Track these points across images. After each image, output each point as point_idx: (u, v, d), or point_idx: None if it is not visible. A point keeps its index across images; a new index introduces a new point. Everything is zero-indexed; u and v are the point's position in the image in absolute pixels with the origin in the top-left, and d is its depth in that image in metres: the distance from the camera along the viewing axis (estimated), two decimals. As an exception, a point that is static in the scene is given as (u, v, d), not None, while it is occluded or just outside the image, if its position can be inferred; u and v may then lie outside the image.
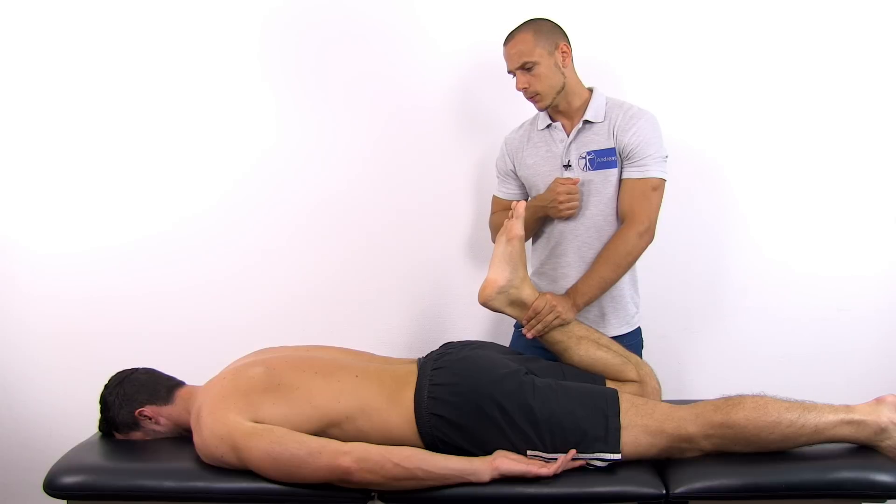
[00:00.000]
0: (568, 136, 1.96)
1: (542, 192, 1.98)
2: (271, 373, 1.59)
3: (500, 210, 2.09)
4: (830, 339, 2.32)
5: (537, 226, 2.02)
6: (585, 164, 1.92)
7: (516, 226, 1.75)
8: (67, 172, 2.37)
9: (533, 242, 2.09)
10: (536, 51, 1.87)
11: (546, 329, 1.77)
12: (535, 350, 1.89)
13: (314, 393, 1.57)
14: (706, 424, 1.53)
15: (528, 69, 1.88)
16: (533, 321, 1.77)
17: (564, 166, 1.95)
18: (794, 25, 2.26)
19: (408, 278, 2.40)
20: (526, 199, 2.04)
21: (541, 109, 1.96)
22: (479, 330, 2.38)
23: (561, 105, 1.94)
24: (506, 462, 1.49)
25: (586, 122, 1.93)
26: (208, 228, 2.39)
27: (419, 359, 1.72)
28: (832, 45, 2.25)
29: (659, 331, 2.26)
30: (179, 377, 1.78)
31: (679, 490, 1.49)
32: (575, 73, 1.96)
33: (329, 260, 2.39)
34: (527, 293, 1.77)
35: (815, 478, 1.47)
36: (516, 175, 2.06)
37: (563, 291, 1.89)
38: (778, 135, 2.29)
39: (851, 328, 2.32)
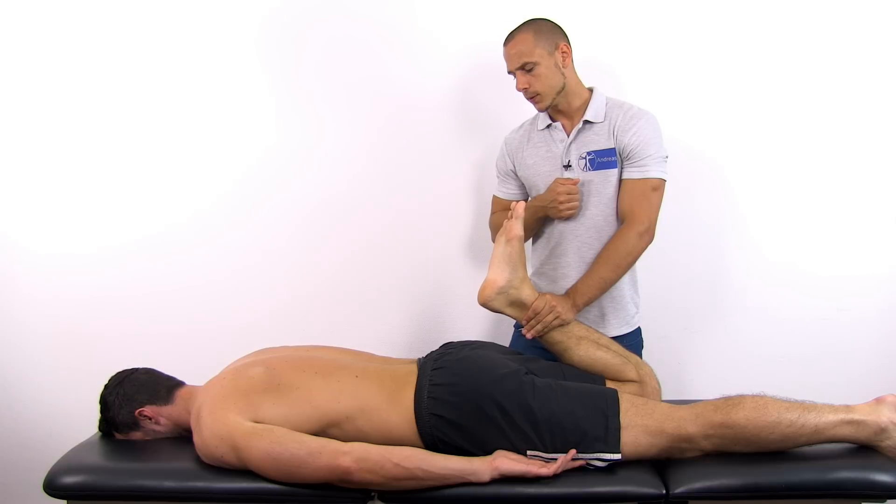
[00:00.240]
0: (568, 136, 1.96)
1: (542, 192, 1.98)
2: (271, 373, 1.59)
3: (500, 210, 2.09)
4: (830, 339, 2.32)
5: (537, 226, 2.02)
6: (585, 165, 1.92)
7: (516, 226, 1.75)
8: (68, 173, 2.37)
9: (533, 243, 2.09)
10: (536, 51, 1.87)
11: (546, 329, 1.77)
12: (535, 350, 1.89)
13: (314, 393, 1.57)
14: (706, 424, 1.53)
15: (529, 69, 1.88)
16: (532, 321, 1.77)
17: (564, 166, 1.95)
18: (794, 25, 2.26)
19: (408, 278, 2.40)
20: (526, 200, 2.04)
21: (541, 110, 1.96)
22: (479, 330, 2.39)
23: (561, 105, 1.94)
24: (506, 462, 1.49)
25: (586, 122, 1.93)
26: (208, 228, 2.39)
27: (419, 359, 1.72)
28: (832, 45, 2.25)
29: (659, 331, 2.26)
30: (179, 377, 1.78)
31: (679, 490, 1.49)
32: (575, 73, 1.96)
33: (329, 260, 2.39)
34: (526, 293, 1.77)
35: (815, 478, 1.47)
36: (516, 175, 2.06)
37: (562, 292, 1.89)
38: (778, 135, 2.29)
39: (851, 328, 2.32)
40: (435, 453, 1.51)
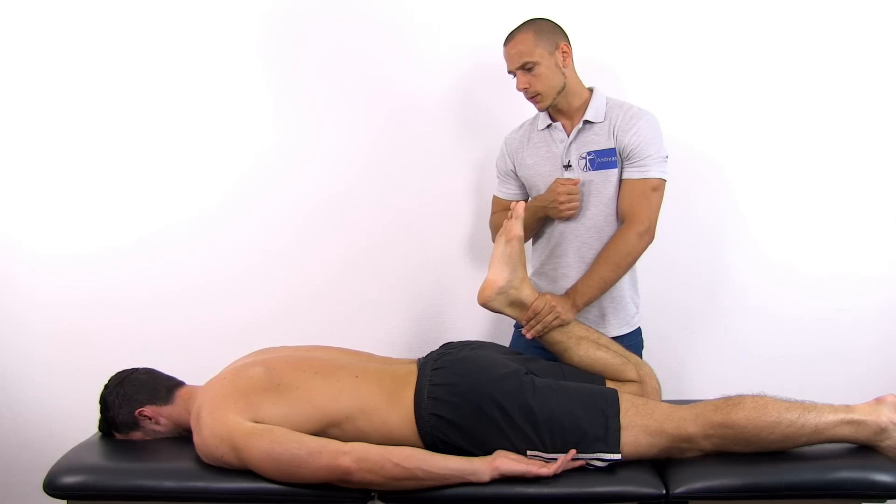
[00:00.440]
0: (568, 136, 1.96)
1: (542, 192, 1.98)
2: (271, 373, 1.59)
3: (501, 210, 2.09)
4: (830, 339, 2.32)
5: (537, 226, 2.02)
6: (586, 165, 1.92)
7: (515, 226, 1.75)
8: (68, 173, 2.37)
9: (533, 243, 2.09)
10: (537, 51, 1.87)
11: (545, 329, 1.77)
12: (535, 350, 1.89)
13: (314, 393, 1.57)
14: (706, 424, 1.53)
15: (529, 69, 1.88)
16: (532, 322, 1.77)
17: (565, 166, 1.95)
18: (794, 26, 2.26)
19: (408, 278, 2.40)
20: (526, 200, 2.04)
21: (541, 110, 1.96)
22: (479, 330, 2.39)
23: (561, 105, 1.94)
24: (506, 462, 1.49)
25: (586, 122, 1.93)
26: (208, 228, 2.39)
27: (419, 359, 1.72)
28: (832, 45, 2.25)
29: (659, 331, 2.26)
30: (179, 377, 1.78)
31: (679, 490, 1.49)
32: (575, 73, 1.96)
33: (329, 260, 2.40)
34: (526, 294, 1.77)
35: (815, 478, 1.47)
36: (516, 175, 2.06)
37: (562, 292, 1.89)
38: (778, 135, 2.29)
39: (851, 328, 2.32)
40: (435, 453, 1.51)
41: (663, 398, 1.77)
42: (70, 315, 2.39)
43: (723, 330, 2.37)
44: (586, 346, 1.77)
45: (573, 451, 1.51)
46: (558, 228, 1.97)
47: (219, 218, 2.38)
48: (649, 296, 2.11)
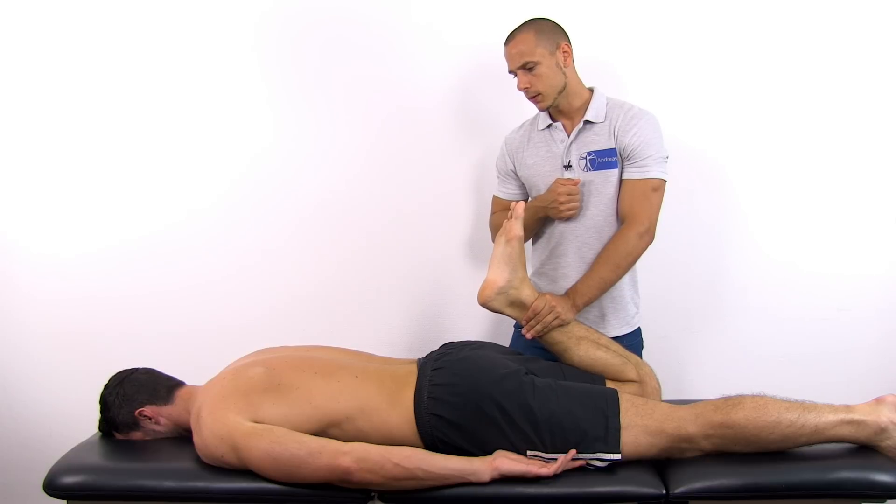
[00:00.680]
0: (568, 136, 1.96)
1: (542, 192, 1.98)
2: (271, 373, 1.59)
3: (501, 210, 2.09)
4: (830, 339, 2.32)
5: (537, 226, 2.02)
6: (586, 165, 1.92)
7: (515, 226, 1.75)
8: (67, 173, 2.37)
9: (533, 243, 2.09)
10: (538, 50, 1.87)
11: (545, 329, 1.77)
12: (535, 350, 1.89)
13: (314, 393, 1.57)
14: (706, 424, 1.53)
15: (530, 69, 1.88)
16: (532, 322, 1.77)
17: (565, 166, 1.95)
18: (794, 26, 2.26)
19: (408, 278, 2.40)
20: (526, 200, 2.04)
21: (542, 109, 1.96)
22: (479, 330, 2.39)
23: (562, 105, 1.94)
24: (506, 462, 1.49)
25: (587, 122, 1.93)
26: (208, 228, 2.39)
27: (419, 359, 1.72)
28: (832, 45, 2.25)
29: (659, 331, 2.26)
30: (179, 377, 1.78)
31: (679, 490, 1.49)
32: (576, 73, 1.96)
33: (329, 260, 2.39)
34: (526, 294, 1.77)
35: (815, 478, 1.47)
36: (516, 175, 2.06)
37: (562, 292, 1.89)
38: (778, 135, 2.29)
39: (851, 328, 2.32)
40: (435, 453, 1.51)
41: (663, 398, 1.77)
42: (70, 315, 2.39)
43: (723, 330, 2.37)
44: (586, 346, 1.77)
45: (573, 451, 1.51)
46: (558, 228, 1.97)
47: (219, 218, 2.38)
48: (649, 296, 2.11)
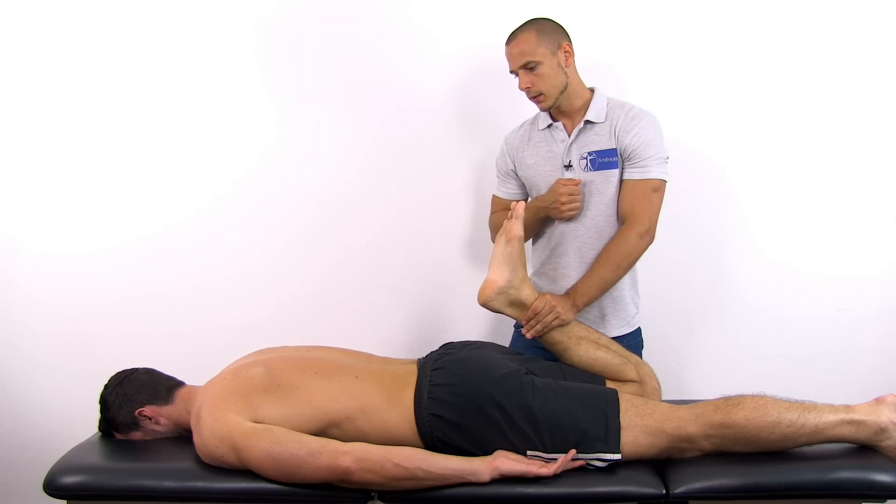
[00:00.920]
0: (569, 136, 1.96)
1: (542, 192, 1.98)
2: (271, 373, 1.59)
3: (500, 210, 2.09)
4: (830, 339, 2.32)
5: (538, 226, 2.02)
6: (586, 165, 1.92)
7: (516, 226, 1.75)
8: (67, 173, 2.37)
9: (533, 242, 2.09)
10: (539, 50, 1.87)
11: (545, 329, 1.77)
12: (535, 350, 1.89)
13: (314, 393, 1.57)
14: (706, 424, 1.53)
15: (531, 69, 1.88)
16: (532, 321, 1.77)
17: (565, 166, 1.95)
18: (794, 26, 2.26)
19: (408, 278, 2.40)
20: (526, 199, 2.04)
21: (543, 109, 1.96)
22: (479, 330, 2.39)
23: (563, 105, 1.94)
24: (506, 462, 1.49)
25: (587, 122, 1.93)
26: (208, 228, 2.39)
27: (419, 359, 1.72)
28: (832, 45, 2.25)
29: (659, 331, 2.26)
30: (179, 377, 1.78)
31: (679, 490, 1.49)
32: (577, 73, 1.96)
33: (329, 260, 2.39)
34: (526, 294, 1.77)
35: (815, 478, 1.47)
36: (516, 175, 2.06)
37: (563, 292, 1.89)
38: (778, 135, 2.29)
39: (851, 328, 2.32)
40: (435, 453, 1.51)
41: (663, 398, 1.77)
42: (70, 315, 2.39)
43: (723, 330, 2.37)
44: (586, 346, 1.77)
45: (573, 451, 1.51)
46: (558, 228, 1.97)
47: (219, 218, 2.38)
48: (649, 296, 2.11)
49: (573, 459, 1.51)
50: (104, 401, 1.72)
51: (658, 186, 1.89)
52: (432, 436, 1.56)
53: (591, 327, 1.85)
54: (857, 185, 2.29)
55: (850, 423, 1.52)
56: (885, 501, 1.49)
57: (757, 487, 1.47)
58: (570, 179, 1.91)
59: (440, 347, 1.76)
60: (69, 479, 1.53)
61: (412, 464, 1.45)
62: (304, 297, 2.40)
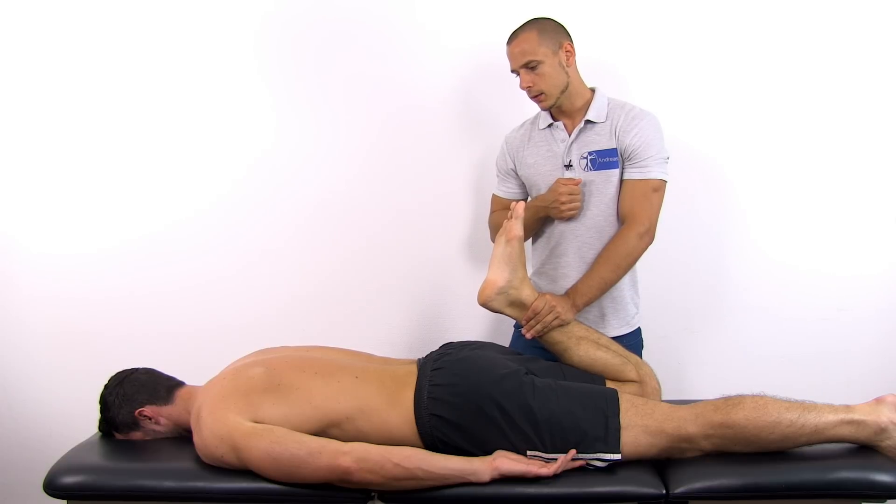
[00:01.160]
0: (569, 135, 1.96)
1: (542, 191, 1.98)
2: (271, 373, 1.59)
3: (500, 209, 2.09)
4: (830, 339, 2.32)
5: (537, 226, 2.02)
6: (587, 165, 1.92)
7: (515, 226, 1.75)
8: (67, 173, 2.37)
9: (533, 242, 2.09)
10: (541, 49, 1.87)
11: (545, 329, 1.77)
12: (535, 350, 1.89)
13: (314, 393, 1.57)
14: (706, 424, 1.53)
15: (532, 68, 1.88)
16: (532, 322, 1.77)
17: (565, 166, 1.95)
18: (794, 26, 2.26)
19: (408, 278, 2.40)
20: (525, 199, 2.04)
21: (544, 109, 1.96)
22: (479, 330, 2.39)
23: (564, 105, 1.94)
24: (506, 462, 1.49)
25: (588, 122, 1.93)
26: (208, 228, 2.39)
27: (419, 359, 1.72)
28: (832, 45, 2.25)
29: (659, 331, 2.26)
30: (179, 377, 1.78)
31: (679, 490, 1.49)
32: (578, 73, 1.96)
33: (329, 260, 2.39)
34: (526, 294, 1.77)
35: (815, 478, 1.47)
36: (517, 174, 2.06)
37: (562, 292, 1.89)
38: (779, 135, 2.29)
39: (851, 328, 2.32)
40: (435, 453, 1.51)
41: (663, 398, 1.77)
42: (70, 315, 2.39)
43: (723, 330, 2.37)
44: (586, 346, 1.77)
45: (573, 451, 1.51)
46: (558, 228, 1.97)
47: (219, 218, 2.38)
48: (649, 296, 2.11)
49: (573, 459, 1.51)
50: (104, 401, 1.72)
51: (658, 186, 1.89)
52: (432, 436, 1.56)
53: (591, 327, 1.85)
54: (856, 185, 2.29)
55: (850, 423, 1.52)
56: (885, 501, 1.49)
57: (757, 487, 1.47)
58: (570, 179, 1.91)
59: (440, 347, 1.76)
60: (69, 479, 1.53)
61: (412, 464, 1.45)
62: (304, 297, 2.40)
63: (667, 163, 1.91)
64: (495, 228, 1.99)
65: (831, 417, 1.52)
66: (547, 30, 1.89)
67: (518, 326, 2.02)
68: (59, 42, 2.33)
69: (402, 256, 2.39)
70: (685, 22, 2.28)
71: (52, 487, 1.53)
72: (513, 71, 1.92)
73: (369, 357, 1.78)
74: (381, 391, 1.60)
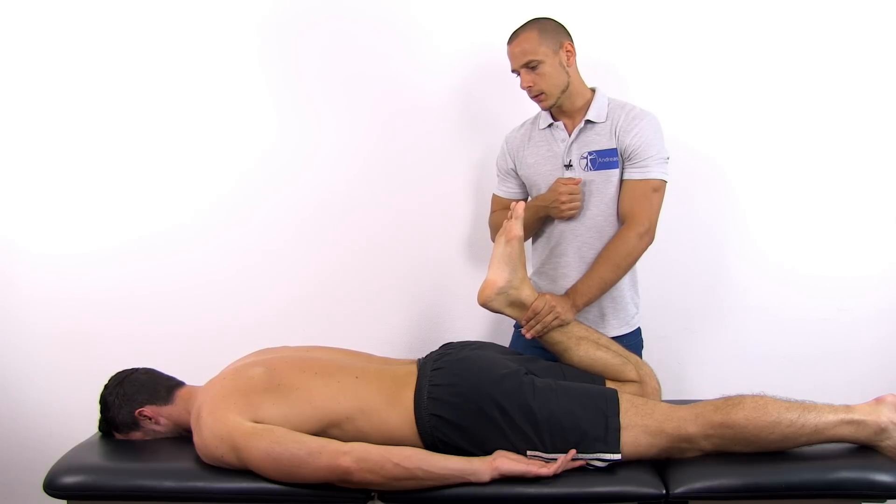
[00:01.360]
0: (569, 135, 1.96)
1: (542, 191, 1.98)
2: (271, 373, 1.59)
3: (500, 209, 2.09)
4: (830, 339, 2.32)
5: (537, 226, 2.02)
6: (587, 164, 1.92)
7: (515, 226, 1.75)
8: (67, 173, 2.37)
9: (533, 242, 2.09)
10: (541, 49, 1.87)
11: (545, 329, 1.77)
12: (535, 350, 1.89)
13: (314, 393, 1.57)
14: (706, 424, 1.53)
15: (533, 68, 1.88)
16: (532, 322, 1.77)
17: (566, 166, 1.95)
18: (794, 26, 2.26)
19: (408, 278, 2.40)
20: (525, 199, 2.04)
21: (545, 108, 1.96)
22: (479, 330, 2.39)
23: (564, 105, 1.94)
24: (506, 462, 1.49)
25: (588, 121, 1.93)
26: (208, 228, 2.39)
27: (419, 359, 1.72)
28: (832, 45, 2.25)
29: (659, 331, 2.26)
30: (179, 377, 1.78)
31: (679, 490, 1.49)
32: (578, 72, 1.96)
33: (329, 260, 2.39)
34: (526, 294, 1.77)
35: (815, 478, 1.47)
36: (517, 174, 2.06)
37: (562, 291, 1.89)
38: (779, 136, 2.29)
39: (851, 328, 2.32)
40: (435, 453, 1.51)
41: (663, 398, 1.77)
42: (70, 315, 2.39)
43: (723, 330, 2.37)
44: (586, 347, 1.77)
45: (573, 451, 1.51)
46: (558, 228, 1.97)
47: (219, 218, 2.38)
48: (649, 296, 2.11)
49: (573, 459, 1.51)
50: (104, 401, 1.72)
51: (658, 186, 1.89)
52: (432, 436, 1.56)
53: (590, 327, 1.85)
54: (856, 186, 2.29)
55: (850, 423, 1.52)
56: (885, 501, 1.49)
57: (757, 487, 1.47)
58: (570, 179, 1.91)
59: (440, 347, 1.76)
60: (69, 479, 1.53)
61: (412, 464, 1.45)
62: (305, 297, 2.40)
63: (667, 163, 1.91)
64: (495, 228, 1.99)
65: (831, 417, 1.52)
66: (547, 30, 1.89)
67: (518, 326, 2.02)
68: (59, 42, 2.33)
69: (402, 256, 2.39)
70: (685, 22, 2.28)
71: (52, 487, 1.53)
72: (513, 71, 1.92)
73: (369, 357, 1.78)
74: (381, 391, 1.60)
